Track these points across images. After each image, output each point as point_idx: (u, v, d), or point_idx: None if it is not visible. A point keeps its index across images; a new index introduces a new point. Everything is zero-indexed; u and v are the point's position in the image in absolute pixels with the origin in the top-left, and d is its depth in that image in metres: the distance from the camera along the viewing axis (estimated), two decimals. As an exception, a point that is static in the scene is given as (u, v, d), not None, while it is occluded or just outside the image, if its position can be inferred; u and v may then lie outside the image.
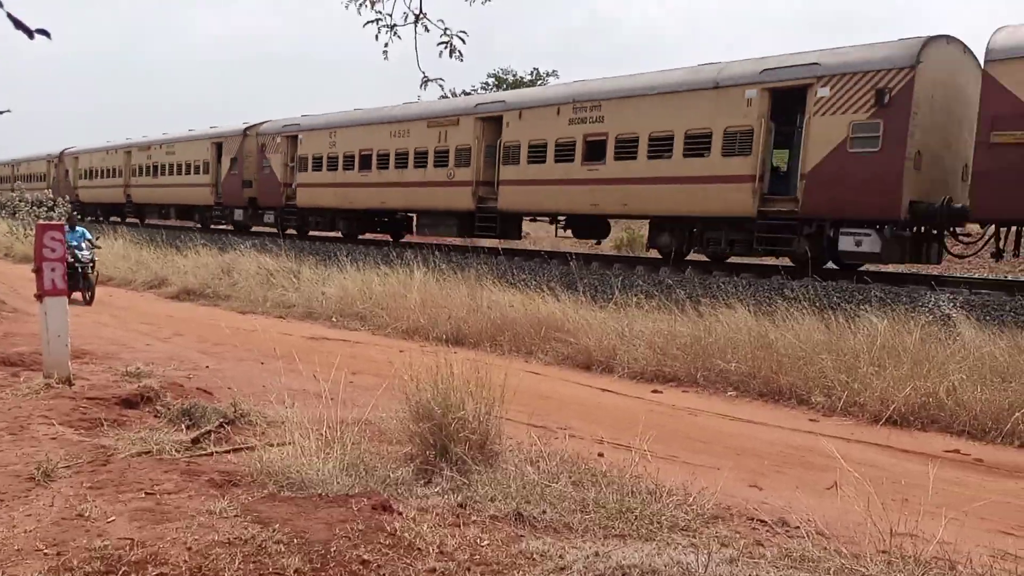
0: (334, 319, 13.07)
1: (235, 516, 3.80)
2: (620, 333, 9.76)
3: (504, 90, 61.41)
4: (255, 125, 28.22)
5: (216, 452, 5.10)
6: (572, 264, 14.78)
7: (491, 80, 65.90)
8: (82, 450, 4.90)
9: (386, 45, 4.39)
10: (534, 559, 3.54)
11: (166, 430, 5.52)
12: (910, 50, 13.10)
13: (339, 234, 25.63)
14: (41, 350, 7.13)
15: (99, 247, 15.86)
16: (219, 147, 29.58)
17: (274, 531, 3.59)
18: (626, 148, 16.41)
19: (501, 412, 5.24)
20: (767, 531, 4.24)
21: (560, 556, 3.56)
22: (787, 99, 14.46)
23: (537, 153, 18.07)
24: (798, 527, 4.14)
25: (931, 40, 13.30)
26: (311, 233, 26.76)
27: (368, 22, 4.30)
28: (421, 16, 4.18)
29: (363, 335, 12.01)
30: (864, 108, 13.28)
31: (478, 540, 3.71)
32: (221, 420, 5.77)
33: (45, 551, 3.39)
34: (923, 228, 14.13)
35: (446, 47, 4.20)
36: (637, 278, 14.13)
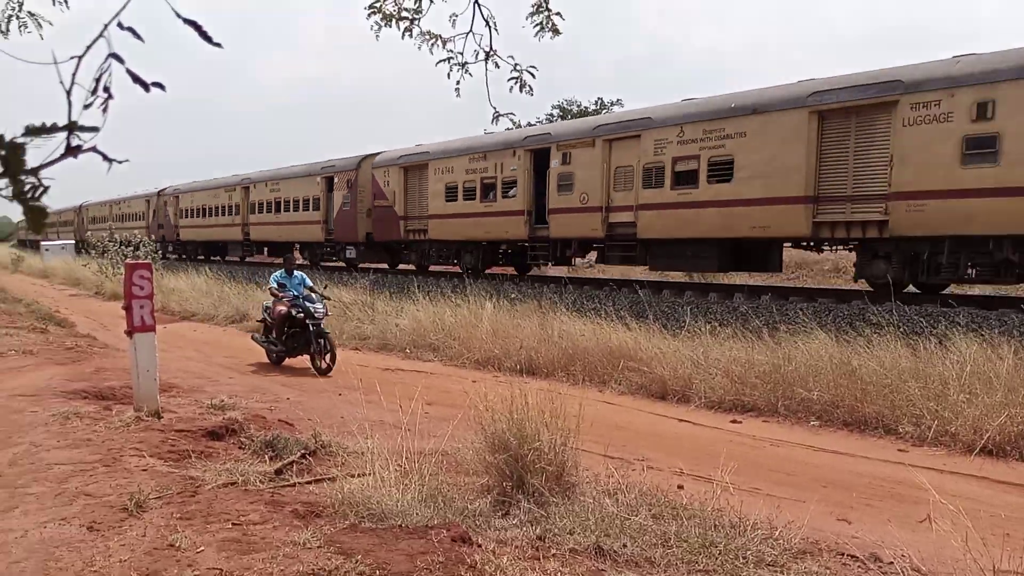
0: (408, 350, 13.23)
1: (318, 547, 3.87)
2: (695, 362, 9.60)
3: (562, 119, 61.90)
4: (369, 156, 27.28)
5: (299, 483, 5.21)
6: (641, 292, 14.65)
7: (556, 111, 66.39)
8: (172, 481, 5.07)
9: (458, 83, 4.49)
10: (616, 593, 3.49)
11: (250, 461, 5.67)
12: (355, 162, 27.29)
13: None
14: (131, 384, 7.42)
15: (328, 298, 12.43)
16: (329, 181, 28.78)
17: (356, 562, 3.64)
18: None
19: (577, 443, 5.22)
20: (859, 567, 4.09)
21: (642, 591, 3.50)
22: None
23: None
24: (892, 563, 3.98)
25: (365, 158, 27.30)
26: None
27: (440, 61, 4.41)
28: (492, 53, 4.26)
29: (436, 366, 12.12)
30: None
31: (558, 574, 3.69)
32: (303, 451, 5.89)
33: (140, 579, 3.51)
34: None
35: (516, 82, 4.27)
36: (711, 305, 13.91)
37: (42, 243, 51.34)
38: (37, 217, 1.31)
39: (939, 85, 12.93)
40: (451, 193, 23.01)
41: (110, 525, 4.23)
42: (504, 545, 4.06)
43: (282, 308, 11.35)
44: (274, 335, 11.86)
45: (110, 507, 4.52)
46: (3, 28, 4.11)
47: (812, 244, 15.99)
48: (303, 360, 11.61)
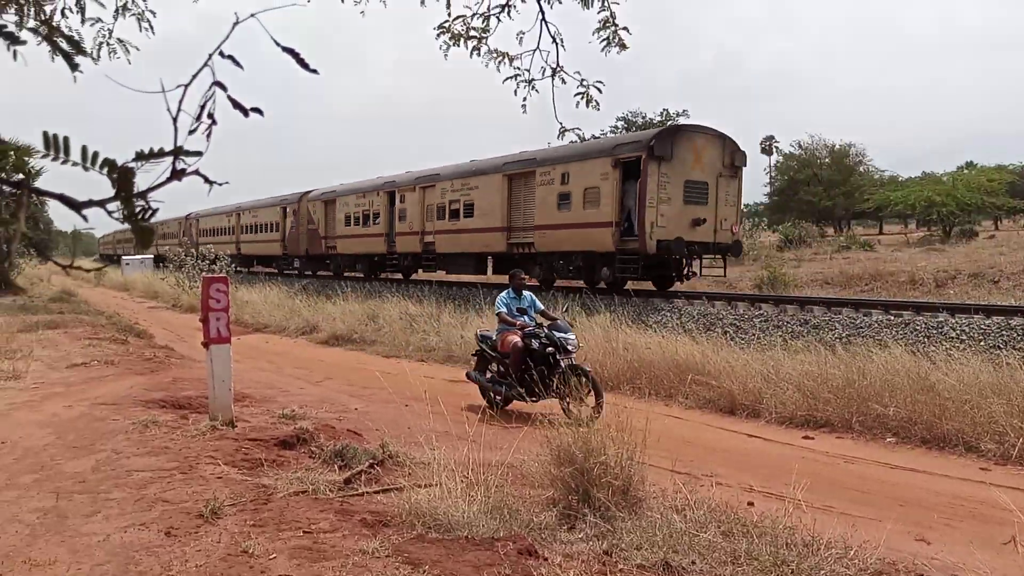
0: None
1: (387, 556, 3.91)
2: (765, 376, 9.40)
3: (627, 131, 61.76)
4: (305, 193, 35.38)
5: (367, 492, 5.28)
6: (709, 303, 14.42)
7: (620, 123, 66.10)
8: (245, 489, 5.19)
9: (524, 99, 4.52)
10: (685, 611, 3.43)
11: (320, 470, 5.77)
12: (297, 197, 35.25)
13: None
14: (207, 394, 7.64)
15: (573, 324, 10.17)
16: (284, 210, 37.18)
17: (424, 572, 3.67)
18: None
19: (643, 457, 5.17)
20: (939, 590, 3.93)
21: (712, 609, 3.43)
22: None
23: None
24: (974, 586, 3.81)
25: (303, 194, 34.96)
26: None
27: (507, 78, 4.45)
28: (559, 69, 4.28)
29: (501, 378, 12.14)
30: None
31: (626, 589, 3.64)
32: (371, 461, 5.97)
33: (215, 584, 3.61)
34: None
35: (583, 97, 4.28)
36: (782, 317, 13.61)
37: (122, 257, 53.24)
38: (146, 236, 1.39)
39: (549, 163, 20.38)
40: (347, 220, 31.10)
41: (187, 531, 4.36)
42: (570, 559, 4.04)
43: (515, 339, 9.10)
44: (492, 371, 9.62)
45: (187, 513, 4.65)
46: (94, 55, 4.31)
47: (506, 256, 22.33)
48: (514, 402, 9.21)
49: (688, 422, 8.91)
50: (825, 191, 65.06)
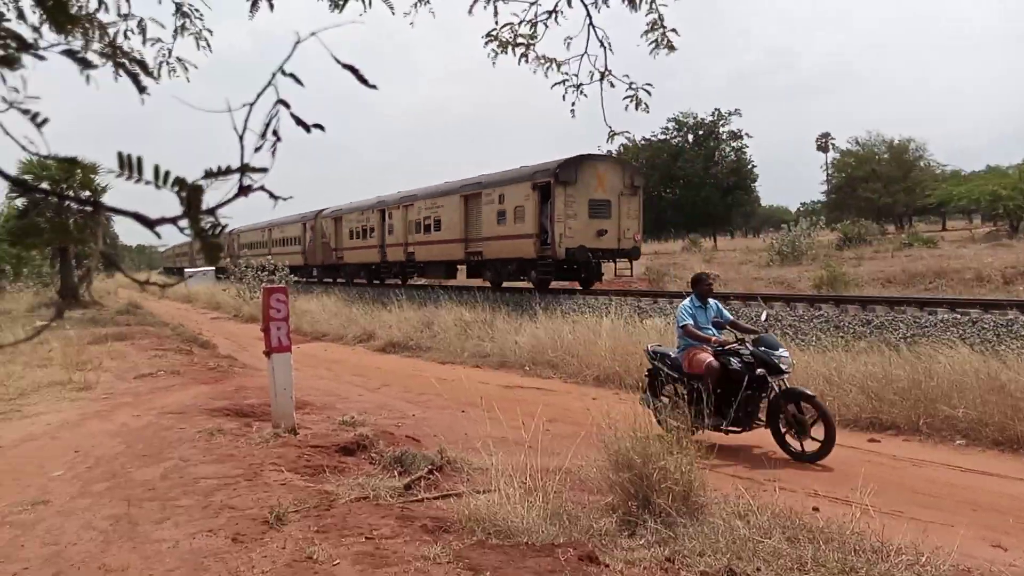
0: (527, 367, 13.31)
1: (448, 562, 3.94)
2: (827, 378, 9.18)
3: (677, 132, 61.29)
4: (320, 211, 39.29)
5: (427, 498, 5.33)
6: (763, 305, 14.17)
7: (671, 125, 65.53)
8: (308, 495, 5.28)
9: (573, 104, 4.52)
10: (751, 619, 3.37)
11: (380, 476, 5.84)
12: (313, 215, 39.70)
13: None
14: (269, 402, 7.80)
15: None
16: (304, 226, 42.01)
17: (486, 578, 3.68)
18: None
19: (703, 463, 5.10)
20: (1018, 598, 3.79)
21: (779, 617, 3.36)
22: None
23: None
24: (1056, 595, 3.66)
25: (318, 212, 38.91)
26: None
27: (555, 83, 4.45)
28: (607, 73, 4.26)
29: (556, 383, 12.13)
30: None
31: (689, 596, 3.60)
32: (430, 467, 6.02)
33: (281, 590, 3.67)
34: None
35: (632, 100, 4.26)
36: (844, 318, 13.31)
37: (185, 270, 55.27)
38: (214, 252, 1.43)
39: (491, 186, 24.17)
40: (351, 234, 35.13)
41: (253, 537, 4.45)
42: (632, 566, 4.01)
43: (707, 358, 7.73)
44: (669, 394, 8.13)
45: (252, 520, 4.75)
46: (155, 73, 4.44)
47: (466, 263, 26.58)
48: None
49: (748, 426, 8.74)
50: (885, 187, 63.50)
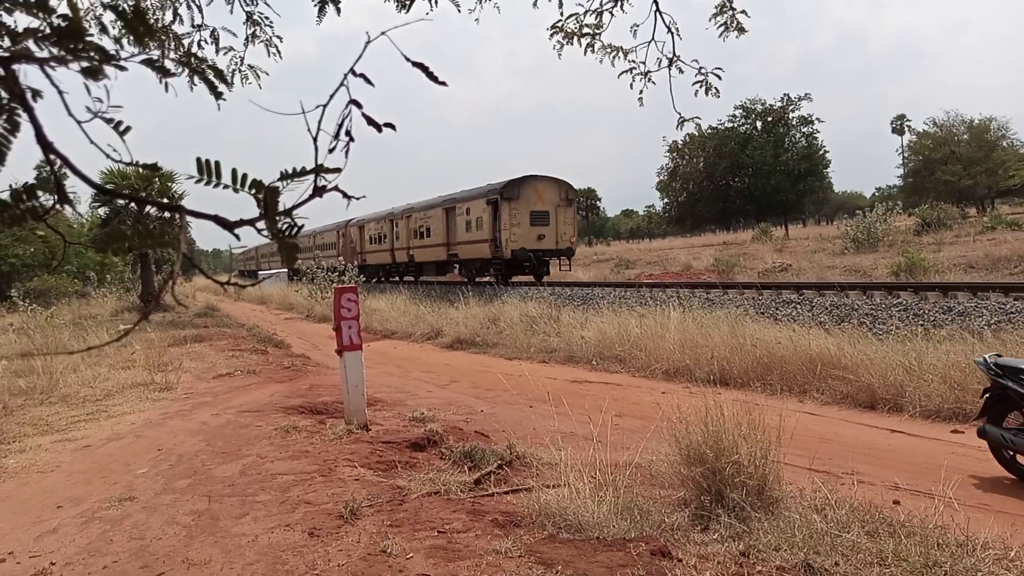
0: (594, 362, 13.24)
1: (519, 556, 3.94)
2: (907, 368, 8.87)
3: (745, 119, 60.23)
4: (349, 220, 45.22)
5: (497, 493, 5.35)
6: (844, 294, 13.76)
7: (739, 112, 64.22)
8: (381, 490, 5.37)
9: (641, 92, 4.45)
10: (830, 615, 3.28)
11: (451, 471, 5.89)
12: (344, 223, 46.29)
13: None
14: (342, 399, 7.95)
15: None
16: (338, 232, 47.91)
17: (557, 573, 3.67)
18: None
19: (778, 456, 4.98)
20: (1119, 597, 3.59)
21: (860, 614, 3.26)
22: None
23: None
24: None
25: (348, 222, 45.23)
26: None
27: (623, 72, 4.40)
28: (675, 59, 4.19)
29: (623, 377, 12.03)
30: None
31: (765, 591, 3.52)
32: (499, 462, 6.04)
33: (357, 583, 3.74)
34: None
35: (701, 85, 4.17)
36: (924, 305, 12.84)
37: (259, 273, 57.16)
38: (291, 251, 1.46)
39: (461, 201, 29.59)
40: (371, 240, 41.34)
41: (328, 531, 4.54)
42: (706, 560, 3.94)
43: None
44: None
45: (328, 514, 4.85)
46: (229, 80, 4.57)
47: (447, 263, 32.13)
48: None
49: (824, 418, 8.53)
50: (965, 169, 60.96)
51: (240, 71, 4.65)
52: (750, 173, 61.76)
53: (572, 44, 4.38)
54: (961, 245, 27.46)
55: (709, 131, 63.84)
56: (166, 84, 2.72)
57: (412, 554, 4.08)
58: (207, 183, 1.42)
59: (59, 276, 32.69)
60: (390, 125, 1.47)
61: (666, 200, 73.74)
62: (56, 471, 6.51)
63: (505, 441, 6.70)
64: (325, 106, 1.36)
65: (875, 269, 23.47)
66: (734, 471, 4.74)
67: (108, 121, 1.47)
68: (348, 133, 1.41)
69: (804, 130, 62.37)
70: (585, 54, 4.35)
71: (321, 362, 14.31)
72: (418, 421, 7.95)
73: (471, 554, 4.01)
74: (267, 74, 4.77)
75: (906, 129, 79.42)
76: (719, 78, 4.07)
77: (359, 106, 1.41)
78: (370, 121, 1.43)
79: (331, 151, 1.39)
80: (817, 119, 62.08)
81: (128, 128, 1.46)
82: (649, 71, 4.30)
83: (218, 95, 2.14)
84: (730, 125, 64.55)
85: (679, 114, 4.27)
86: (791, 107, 61.97)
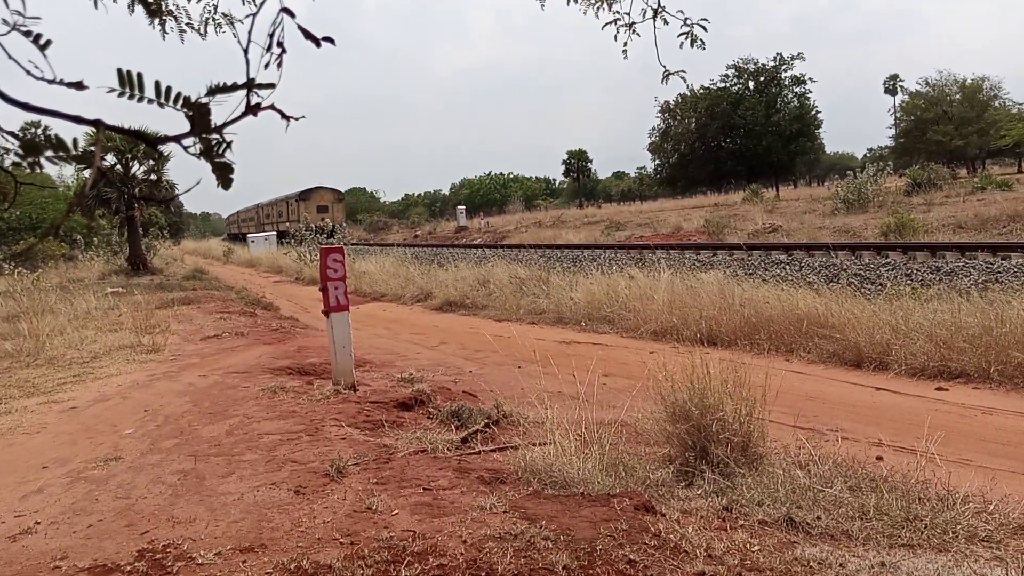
0: (583, 323, 13.25)
1: (504, 512, 3.96)
2: (894, 327, 8.91)
3: (738, 79, 59.63)
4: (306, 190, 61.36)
5: (483, 451, 5.36)
6: (833, 254, 13.79)
7: (731, 72, 63.72)
8: (367, 449, 5.37)
9: (625, 44, 4.36)
10: (811, 567, 3.31)
11: (438, 430, 5.91)
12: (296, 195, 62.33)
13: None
14: (330, 361, 7.94)
15: None
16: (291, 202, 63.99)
17: (541, 527, 3.69)
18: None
19: (763, 413, 5.00)
20: (1095, 547, 3.63)
21: (841, 565, 3.30)
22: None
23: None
24: None
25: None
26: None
27: (607, 23, 4.31)
28: (660, 10, 4.10)
29: (612, 338, 12.05)
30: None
31: (747, 545, 3.55)
32: (486, 421, 6.06)
33: (341, 540, 3.75)
34: None
35: (687, 37, 4.09)
36: (912, 265, 12.87)
37: (248, 236, 57.46)
38: (225, 172, 1.38)
39: (286, 199, 60.33)
40: (267, 217, 65.92)
41: (314, 489, 4.55)
42: (689, 515, 3.97)
43: None
44: None
45: (314, 473, 4.85)
46: (201, 31, 4.45)
47: (284, 234, 49.13)
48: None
49: (811, 376, 8.58)
50: (956, 129, 60.84)
51: (214, 20, 4.52)
52: (742, 134, 61.53)
53: (555, -7, 4.28)
54: (951, 206, 27.48)
55: (701, 91, 63.41)
56: (96, 1, 2.61)
57: (397, 511, 4.10)
58: (129, 96, 1.34)
59: (48, 239, 32.40)
60: (329, 39, 1.40)
61: (657, 162, 73.45)
62: (42, 432, 6.49)
63: (492, 401, 6.71)
64: (255, 15, 1.30)
65: (865, 230, 23.48)
66: (719, 428, 4.76)
67: (27, 34, 1.38)
68: (280, 44, 1.34)
69: (796, 90, 62.06)
70: (568, 4, 4.25)
71: (310, 324, 14.28)
72: (406, 382, 7.95)
73: (456, 510, 4.02)
74: (242, 22, 4.63)
75: (899, 89, 79.01)
76: (705, 29, 3.99)
77: (292, 15, 1.34)
78: (307, 34, 1.36)
79: (266, 66, 1.33)
80: (810, 79, 61.76)
81: (49, 42, 1.37)
82: (634, 22, 4.21)
83: (153, 13, 2.05)
84: (722, 85, 64.09)
85: (664, 67, 4.18)
86: (784, 67, 61.54)
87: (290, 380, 8.08)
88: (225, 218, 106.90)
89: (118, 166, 27.56)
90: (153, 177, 27.29)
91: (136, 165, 27.82)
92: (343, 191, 56.52)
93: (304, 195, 56.84)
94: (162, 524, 4.13)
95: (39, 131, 1.44)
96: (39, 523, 4.31)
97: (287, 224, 54.19)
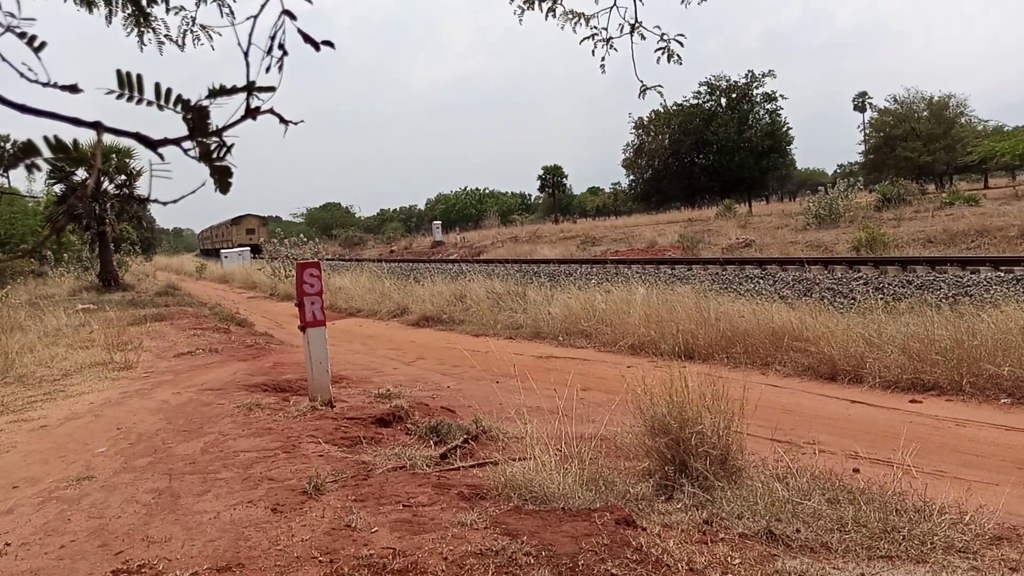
0: (560, 338, 13.26)
1: (485, 528, 3.94)
2: (868, 340, 9.01)
3: (710, 96, 60.33)
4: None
5: (463, 467, 5.34)
6: (806, 269, 13.94)
7: (704, 89, 64.42)
8: (346, 466, 5.33)
9: (603, 59, 4.40)
10: (791, 580, 3.32)
11: (417, 446, 5.87)
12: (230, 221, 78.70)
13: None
14: (306, 377, 7.87)
15: None
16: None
17: (522, 543, 3.67)
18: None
19: (741, 426, 5.03)
20: (1069, 556, 3.68)
21: (821, 577, 3.31)
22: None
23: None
24: (1109, 553, 3.55)
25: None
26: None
27: (584, 38, 4.34)
28: (637, 25, 4.14)
29: (589, 352, 12.08)
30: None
31: (728, 558, 3.56)
32: (465, 436, 6.03)
33: (320, 558, 3.71)
34: None
35: (664, 52, 4.13)
36: (884, 279, 13.06)
37: (221, 251, 57.35)
38: (224, 176, 1.36)
39: (230, 223, 75.09)
40: (222, 235, 78.70)
41: (292, 507, 4.49)
42: (670, 529, 3.97)
43: None
44: None
45: (291, 490, 4.80)
46: (179, 43, 4.42)
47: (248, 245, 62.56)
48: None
49: (787, 390, 8.65)
50: (924, 146, 61.89)
51: (192, 32, 4.49)
52: (714, 150, 62.14)
53: (533, 9, 4.31)
54: (920, 220, 27.93)
55: (674, 108, 64.02)
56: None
57: (377, 528, 4.06)
58: (128, 98, 1.33)
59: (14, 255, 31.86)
60: (328, 43, 1.40)
61: (632, 177, 73.95)
62: (11, 451, 6.36)
63: (471, 416, 6.69)
64: (256, 17, 1.29)
65: (837, 244, 23.79)
66: (698, 441, 4.78)
67: (21, 36, 1.36)
68: (281, 47, 1.34)
69: (768, 107, 62.83)
70: (546, 19, 4.28)
71: (285, 340, 14.16)
72: (384, 397, 7.90)
73: (436, 527, 3.99)
74: (220, 35, 4.61)
75: (867, 106, 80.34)
76: (681, 44, 4.03)
77: (293, 17, 1.34)
78: (306, 38, 1.35)
79: (267, 70, 1.32)
80: (781, 96, 62.57)
81: (44, 44, 1.35)
82: (611, 37, 4.25)
83: (144, 15, 2.03)
84: (695, 102, 64.77)
85: (641, 82, 4.23)
86: (755, 84, 62.33)
87: (266, 397, 8.00)
88: (198, 233, 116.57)
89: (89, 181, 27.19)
90: (125, 191, 26.96)
91: (106, 181, 27.48)
92: (266, 216, 74.90)
93: (236, 220, 72.27)
94: (137, 544, 4.06)
95: (8, 145, 1.42)
96: (9, 544, 4.22)
97: (227, 243, 71.15)
